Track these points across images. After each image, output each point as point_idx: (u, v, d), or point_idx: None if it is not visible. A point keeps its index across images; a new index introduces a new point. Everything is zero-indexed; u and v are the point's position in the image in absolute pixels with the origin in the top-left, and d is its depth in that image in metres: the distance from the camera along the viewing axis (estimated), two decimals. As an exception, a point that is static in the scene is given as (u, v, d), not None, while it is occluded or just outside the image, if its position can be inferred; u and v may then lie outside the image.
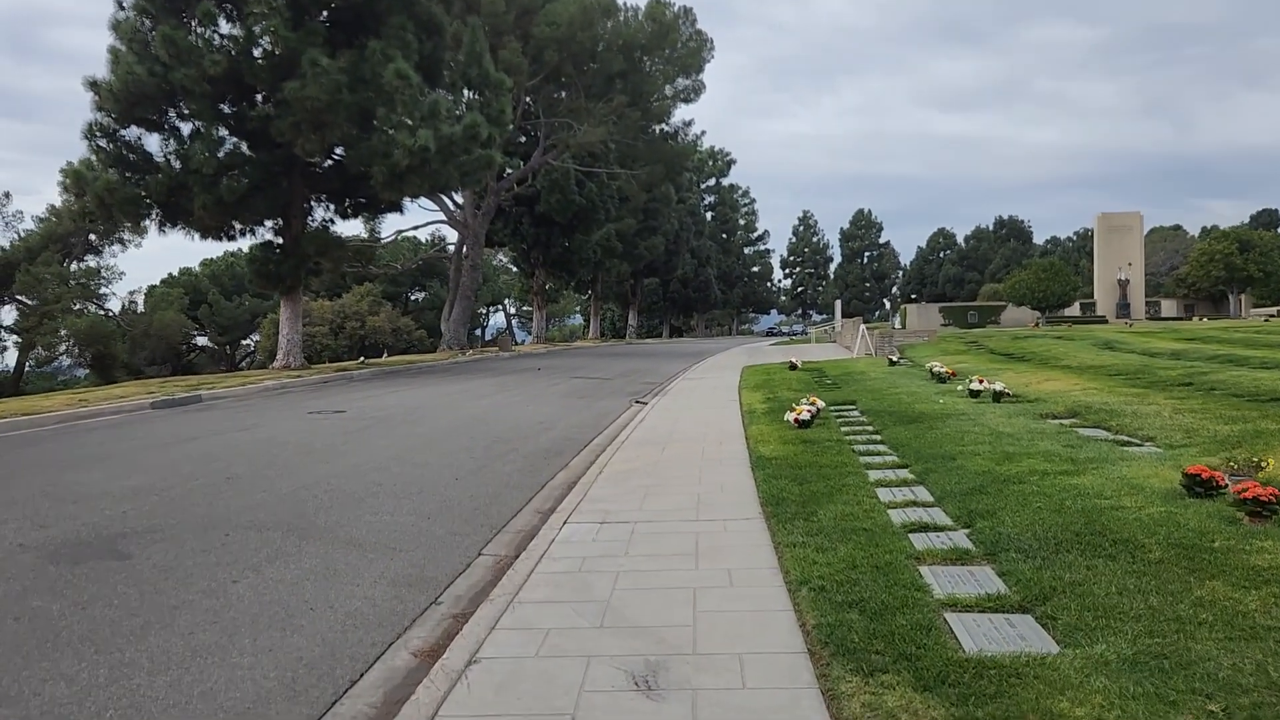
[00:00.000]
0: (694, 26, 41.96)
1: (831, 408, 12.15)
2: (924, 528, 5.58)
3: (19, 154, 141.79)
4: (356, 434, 11.71)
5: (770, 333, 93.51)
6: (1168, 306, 55.52)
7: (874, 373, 18.53)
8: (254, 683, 3.89)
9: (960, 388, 13.20)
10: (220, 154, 23.45)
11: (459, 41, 27.39)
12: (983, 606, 4.12)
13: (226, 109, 24.18)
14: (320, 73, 21.66)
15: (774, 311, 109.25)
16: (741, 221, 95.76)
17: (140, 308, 59.28)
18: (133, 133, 23.99)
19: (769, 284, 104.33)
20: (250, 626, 4.57)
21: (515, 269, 67.83)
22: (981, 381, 12.55)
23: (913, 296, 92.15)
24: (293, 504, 7.41)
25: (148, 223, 25.80)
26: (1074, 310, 47.96)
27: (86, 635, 4.44)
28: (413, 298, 73.77)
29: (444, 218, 42.00)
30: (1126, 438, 8.57)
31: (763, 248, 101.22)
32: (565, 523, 6.34)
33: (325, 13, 24.41)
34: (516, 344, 50.86)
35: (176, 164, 23.62)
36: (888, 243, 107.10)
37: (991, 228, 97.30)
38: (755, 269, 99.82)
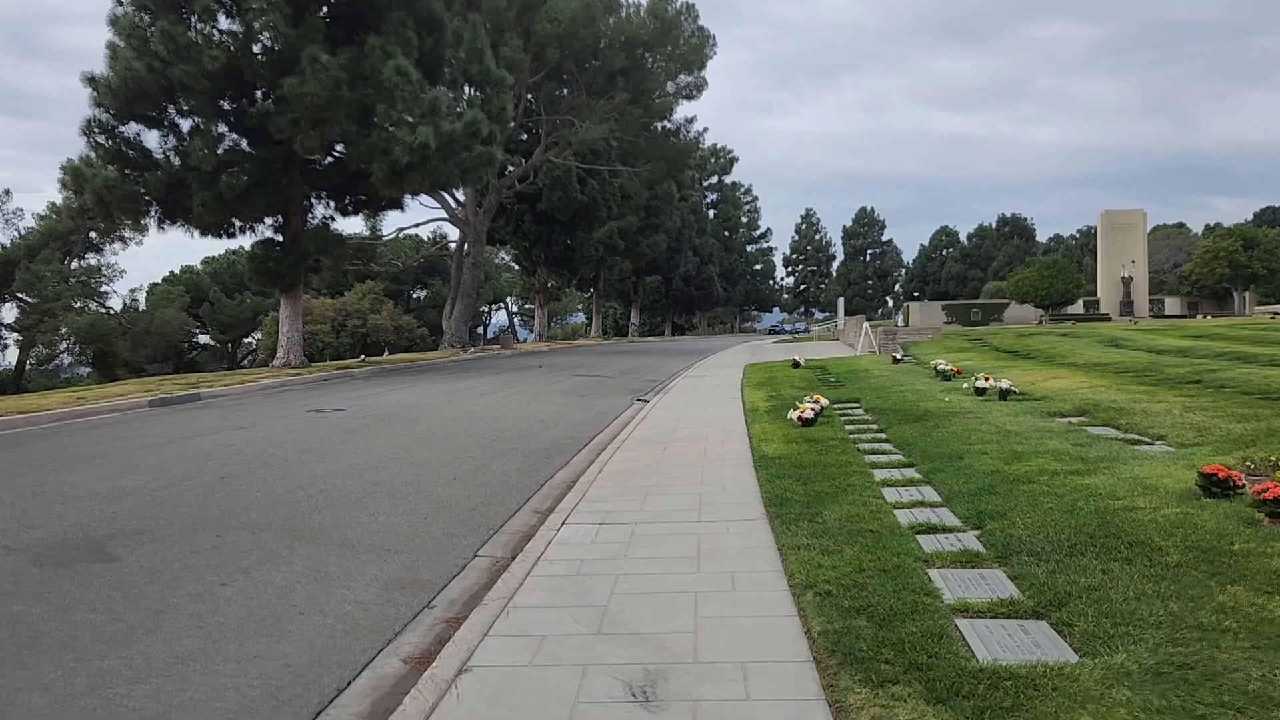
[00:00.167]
0: (696, 23, 41.77)
1: (835, 406, 11.99)
2: (932, 529, 5.42)
3: (21, 152, 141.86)
4: (355, 432, 11.57)
5: (773, 331, 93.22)
6: (1171, 304, 55.30)
7: (877, 370, 18.36)
8: (237, 691, 3.74)
9: (966, 385, 13.03)
10: (219, 151, 23.28)
11: (460, 38, 27.23)
12: (995, 612, 3.96)
13: (226, 105, 24.03)
14: (320, 69, 21.50)
15: (776, 310, 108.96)
16: (744, 219, 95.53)
17: (142, 306, 59.26)
18: (131, 129, 23.83)
19: (771, 282, 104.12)
20: (236, 632, 4.42)
21: (517, 267, 67.70)
22: (987, 379, 12.38)
23: (915, 294, 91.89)
24: (287, 504, 7.26)
25: (147, 220, 25.68)
26: (1077, 308, 47.76)
27: (67, 641, 4.29)
28: (415, 296, 73.65)
29: (445, 215, 41.82)
30: (1137, 436, 8.41)
31: (765, 246, 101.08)
32: (564, 523, 6.19)
33: (325, 9, 24.24)
34: (519, 342, 50.72)
35: (176, 161, 23.48)
36: (890, 240, 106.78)
37: (994, 226, 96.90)
38: (758, 267, 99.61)
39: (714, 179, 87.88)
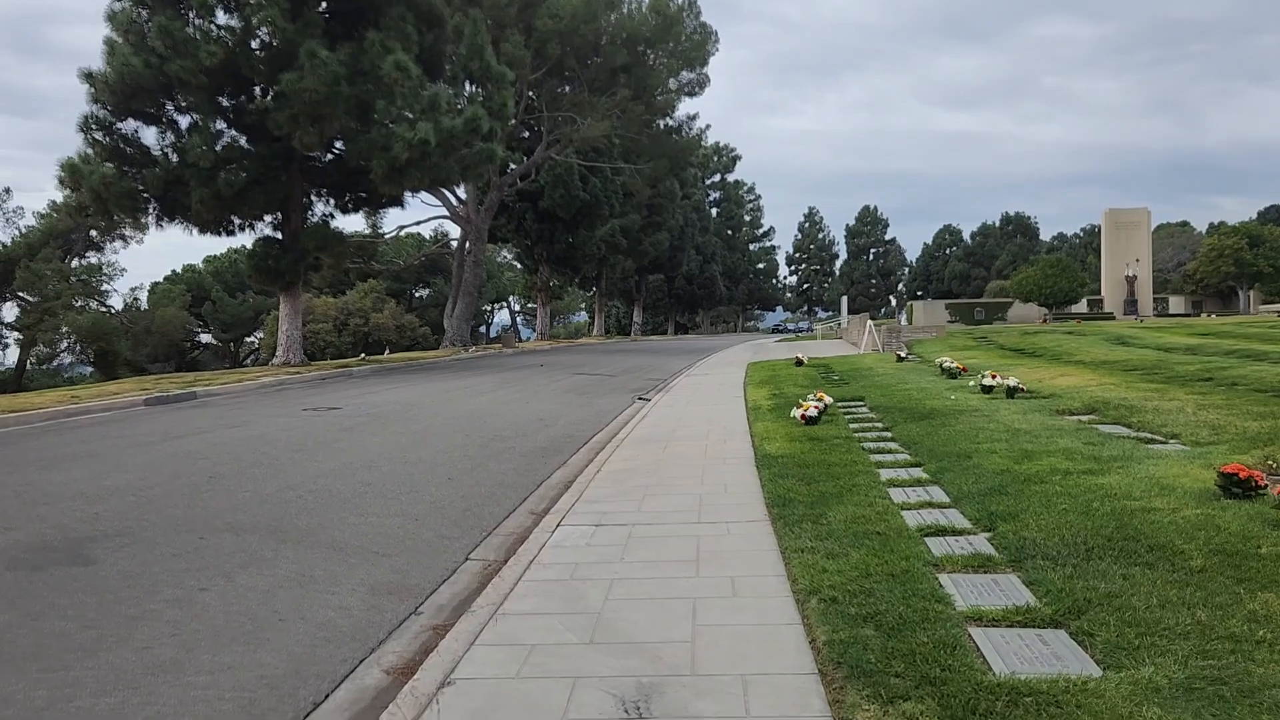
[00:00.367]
0: (698, 19, 41.52)
1: (839, 404, 11.77)
2: (941, 531, 5.20)
3: (23, 151, 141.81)
4: (350, 431, 11.36)
5: (776, 329, 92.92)
6: (1175, 303, 55.01)
7: (882, 369, 18.13)
8: (208, 704, 3.53)
9: (972, 383, 12.80)
10: (218, 147, 23.06)
11: (460, 34, 26.98)
12: (1011, 620, 3.74)
13: (224, 102, 23.83)
14: (318, 64, 21.29)
15: (779, 308, 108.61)
16: (747, 218, 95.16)
17: (143, 305, 59.10)
18: (129, 126, 23.68)
19: (774, 281, 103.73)
20: (213, 640, 4.21)
21: (519, 265, 67.48)
22: (994, 377, 12.15)
23: (919, 293, 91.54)
24: (275, 505, 7.06)
25: (146, 218, 25.53)
26: (1081, 307, 47.46)
27: (33, 651, 4.08)
28: (417, 295, 73.46)
29: (446, 213, 41.58)
30: (1149, 435, 8.18)
31: (768, 244, 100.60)
32: (559, 525, 5.98)
33: (324, 4, 24.03)
34: (521, 341, 50.51)
35: (174, 157, 23.31)
36: (893, 239, 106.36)
37: (998, 224, 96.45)
38: (760, 266, 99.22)
39: (716, 177, 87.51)
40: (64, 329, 45.99)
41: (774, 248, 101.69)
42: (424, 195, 37.49)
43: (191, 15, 22.33)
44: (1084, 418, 9.47)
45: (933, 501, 5.99)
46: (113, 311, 51.30)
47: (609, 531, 5.75)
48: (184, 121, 23.81)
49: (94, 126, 23.09)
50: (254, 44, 22.99)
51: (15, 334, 46.70)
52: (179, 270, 70.05)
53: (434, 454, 9.49)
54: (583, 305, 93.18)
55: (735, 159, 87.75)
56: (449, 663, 3.59)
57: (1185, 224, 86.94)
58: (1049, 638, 3.54)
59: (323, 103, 21.61)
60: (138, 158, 23.59)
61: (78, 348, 48.59)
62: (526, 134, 44.34)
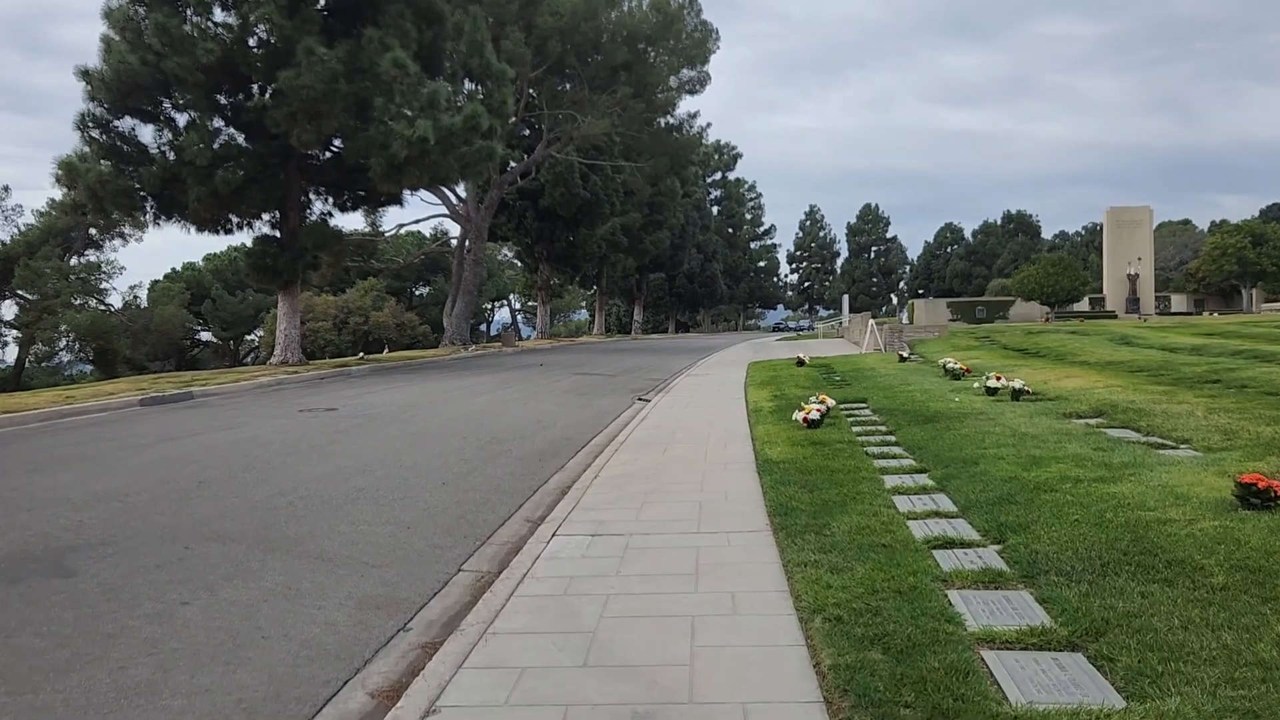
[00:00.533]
0: (699, 17, 41.31)
1: (841, 406, 11.59)
2: (949, 543, 5.02)
3: (25, 149, 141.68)
4: (345, 433, 11.19)
5: (777, 328, 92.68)
6: (1177, 301, 54.78)
7: (884, 369, 17.95)
8: (182, 732, 3.36)
9: (976, 385, 12.61)
10: (215, 145, 22.87)
11: (460, 31, 26.77)
12: (1025, 643, 3.56)
13: (222, 99, 23.65)
14: (316, 62, 21.11)
15: (780, 307, 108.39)
16: (748, 216, 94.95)
17: (143, 303, 58.95)
18: (126, 123, 23.52)
19: (775, 279, 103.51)
20: (191, 659, 4.04)
21: (519, 264, 67.28)
22: (999, 378, 11.96)
23: (920, 292, 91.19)
24: (265, 512, 6.89)
25: (144, 216, 25.37)
26: (1083, 305, 47.22)
27: (1, 670, 3.91)
28: (417, 293, 73.31)
29: (446, 211, 41.43)
30: (1160, 440, 7.99)
31: (769, 242, 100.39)
32: (554, 535, 5.80)
33: (322, 1, 23.86)
34: (521, 339, 50.34)
35: (171, 155, 23.13)
36: (895, 238, 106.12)
37: (999, 223, 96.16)
38: (762, 264, 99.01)
39: (717, 175, 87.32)
40: (63, 327, 45.87)
41: (775, 246, 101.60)
42: (424, 193, 37.35)
43: (189, 12, 22.16)
44: (1092, 421, 9.29)
45: (939, 511, 5.81)
46: (112, 310, 51.15)
47: (605, 542, 5.57)
48: (181, 119, 23.66)
49: (91, 124, 22.92)
50: (252, 41, 22.81)
51: (14, 332, 46.57)
52: (179, 268, 69.94)
53: (429, 458, 9.32)
54: (583, 303, 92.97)
55: (736, 157, 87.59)
56: (435, 688, 3.42)
57: (1187, 222, 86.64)
58: (1066, 662, 3.37)
59: (321, 100, 21.43)
60: (134, 156, 23.42)
61: (77, 346, 48.47)
62: (527, 132, 44.15)
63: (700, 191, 77.62)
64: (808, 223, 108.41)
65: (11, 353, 48.16)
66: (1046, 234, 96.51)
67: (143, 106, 23.20)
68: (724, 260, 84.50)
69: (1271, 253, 51.12)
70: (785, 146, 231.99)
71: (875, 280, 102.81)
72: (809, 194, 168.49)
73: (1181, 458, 7.05)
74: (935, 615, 3.86)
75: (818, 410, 9.88)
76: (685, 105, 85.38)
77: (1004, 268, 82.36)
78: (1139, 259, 47.74)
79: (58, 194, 42.19)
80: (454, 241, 46.63)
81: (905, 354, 20.72)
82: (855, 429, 9.72)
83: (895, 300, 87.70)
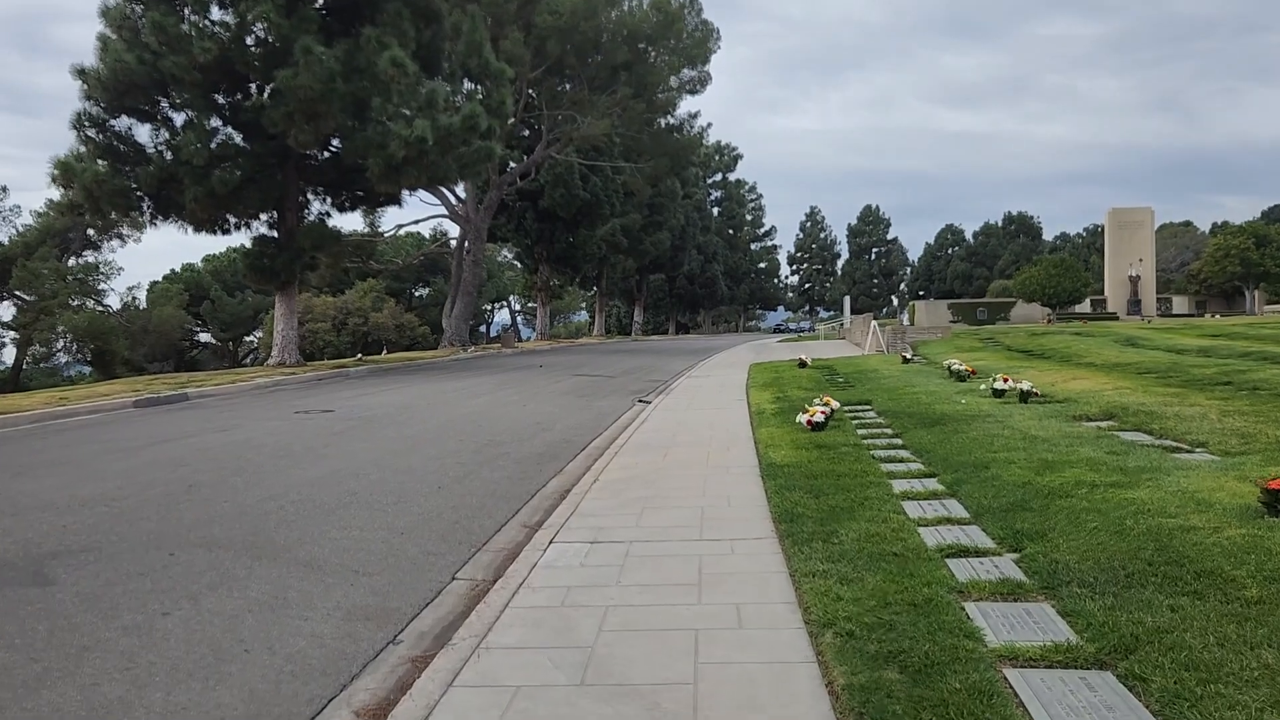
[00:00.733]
0: (699, 16, 41.11)
1: (846, 408, 11.39)
2: (963, 552, 4.81)
3: (25, 150, 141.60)
4: (340, 435, 10.99)
5: (777, 329, 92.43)
6: (1179, 303, 54.55)
7: (887, 371, 17.74)
8: (153, 756, 3.15)
9: (983, 387, 12.40)
10: (212, 145, 22.68)
11: (458, 31, 26.58)
12: (1050, 660, 3.35)
13: (219, 99, 23.47)
14: (314, 61, 20.92)
15: (781, 308, 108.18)
16: (748, 217, 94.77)
17: (141, 304, 58.77)
18: (123, 123, 23.33)
19: (776, 280, 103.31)
20: (168, 675, 3.84)
21: (519, 265, 67.08)
22: (1006, 380, 11.75)
23: (920, 293, 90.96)
24: (254, 517, 6.68)
25: (140, 216, 25.19)
26: (1084, 307, 47.01)
27: (-33, 688, 3.71)
28: (417, 294, 73.12)
29: (445, 212, 41.22)
30: (1174, 443, 7.79)
31: (770, 244, 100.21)
32: (552, 542, 5.59)
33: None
34: (521, 341, 50.13)
35: (167, 155, 22.95)
36: (895, 239, 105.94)
37: (1000, 224, 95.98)
38: (762, 265, 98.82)
39: (718, 176, 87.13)
40: (60, 328, 45.67)
41: (775, 247, 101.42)
42: (423, 194, 37.19)
43: (186, 11, 21.99)
44: (1103, 424, 9.08)
45: (951, 517, 5.61)
46: (110, 311, 50.96)
47: (605, 550, 5.36)
48: (178, 119, 23.47)
49: (87, 124, 22.74)
50: (249, 40, 22.63)
51: (12, 333, 46.38)
52: (178, 269, 69.81)
53: (425, 461, 9.11)
54: (583, 304, 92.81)
55: (737, 158, 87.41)
56: (423, 709, 3.21)
57: (1188, 223, 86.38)
58: (1095, 682, 3.16)
59: (318, 100, 21.24)
60: (131, 155, 23.23)
61: (75, 347, 48.27)
62: (526, 132, 43.95)
63: (701, 192, 77.45)
64: (808, 224, 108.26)
65: (9, 354, 48.03)
66: (1048, 235, 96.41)
67: (139, 106, 23.01)
68: (724, 261, 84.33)
69: (1275, 254, 50.91)
70: (785, 147, 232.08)
71: (876, 281, 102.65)
72: (809, 195, 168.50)
73: (1199, 462, 6.85)
74: (953, 630, 3.65)
75: (822, 413, 9.67)
76: (685, 105, 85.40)
77: (1005, 269, 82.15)
78: (1140, 260, 47.53)
79: (55, 194, 42.04)
80: (453, 242, 46.44)
81: (908, 355, 20.51)
82: (860, 432, 9.51)
83: (896, 302, 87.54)
